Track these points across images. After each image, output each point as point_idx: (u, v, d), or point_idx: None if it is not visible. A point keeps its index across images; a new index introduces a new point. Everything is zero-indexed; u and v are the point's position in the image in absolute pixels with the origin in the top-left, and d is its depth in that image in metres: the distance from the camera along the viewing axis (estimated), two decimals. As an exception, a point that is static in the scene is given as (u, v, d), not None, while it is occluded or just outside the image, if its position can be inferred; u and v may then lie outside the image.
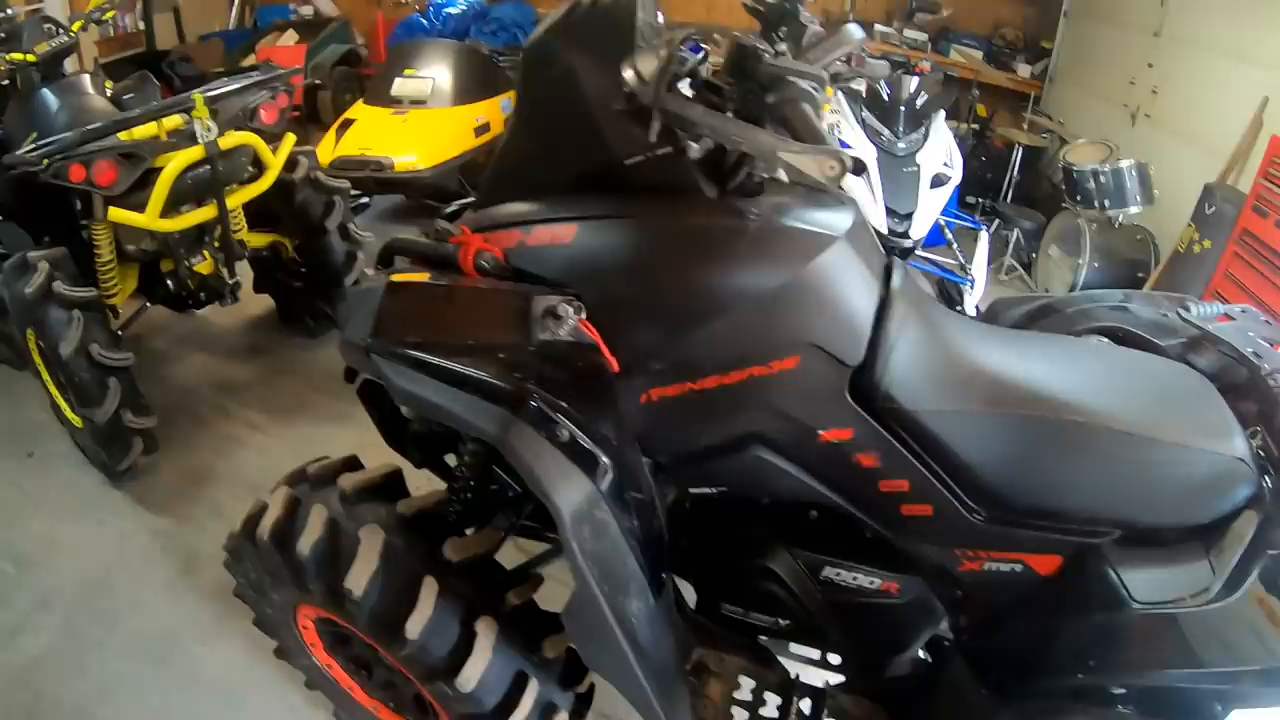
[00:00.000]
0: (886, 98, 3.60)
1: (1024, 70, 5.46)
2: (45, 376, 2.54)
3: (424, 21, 5.75)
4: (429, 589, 1.27)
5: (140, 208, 2.40)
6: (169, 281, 2.83)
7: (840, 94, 3.68)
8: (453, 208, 1.46)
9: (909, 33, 5.39)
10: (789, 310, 1.08)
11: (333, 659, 1.64)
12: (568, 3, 1.20)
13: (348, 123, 4.11)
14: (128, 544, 2.38)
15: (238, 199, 2.68)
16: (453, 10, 5.78)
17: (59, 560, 2.31)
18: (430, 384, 1.06)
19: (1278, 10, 3.41)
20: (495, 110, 4.30)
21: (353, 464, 1.51)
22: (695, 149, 1.02)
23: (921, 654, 1.44)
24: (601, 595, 1.05)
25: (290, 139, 2.82)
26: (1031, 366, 1.20)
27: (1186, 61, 4.00)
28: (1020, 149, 4.85)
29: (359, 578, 1.27)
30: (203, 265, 2.79)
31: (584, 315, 1.09)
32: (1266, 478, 1.13)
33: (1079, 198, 3.91)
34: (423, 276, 1.19)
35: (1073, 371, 1.22)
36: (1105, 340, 1.42)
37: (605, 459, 1.06)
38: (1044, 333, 1.46)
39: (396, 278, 1.18)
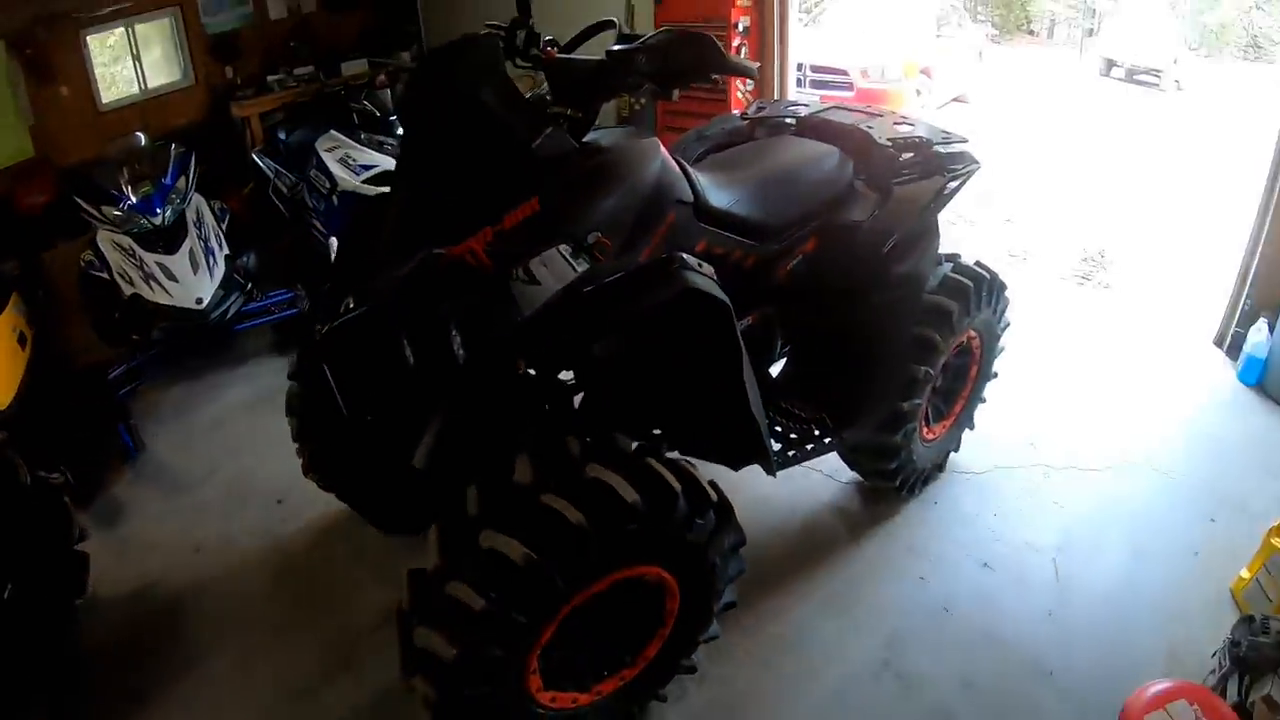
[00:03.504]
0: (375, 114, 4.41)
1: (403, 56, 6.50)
2: None
3: None
4: None
5: None
6: None
7: (334, 130, 4.38)
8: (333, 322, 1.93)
9: (298, 71, 6.10)
10: (663, 187, 1.98)
11: None
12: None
13: None
14: None
15: None
16: None
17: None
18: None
19: None
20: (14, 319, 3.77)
21: None
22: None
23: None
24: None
25: None
26: (757, 157, 2.45)
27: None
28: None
29: None
30: None
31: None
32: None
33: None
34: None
35: (776, 148, 2.48)
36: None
37: None
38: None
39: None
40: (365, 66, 6.08)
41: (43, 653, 2.55)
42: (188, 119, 5.74)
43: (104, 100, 5.75)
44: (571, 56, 2.05)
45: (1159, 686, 1.93)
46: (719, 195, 2.19)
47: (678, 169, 2.09)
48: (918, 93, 8.74)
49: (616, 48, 1.86)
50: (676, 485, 1.76)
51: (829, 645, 2.46)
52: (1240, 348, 3.83)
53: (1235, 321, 3.96)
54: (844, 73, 8.39)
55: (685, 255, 1.78)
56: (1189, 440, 3.40)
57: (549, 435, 1.83)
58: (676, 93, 1.88)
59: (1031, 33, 18.20)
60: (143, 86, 5.98)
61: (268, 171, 5.13)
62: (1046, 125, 9.68)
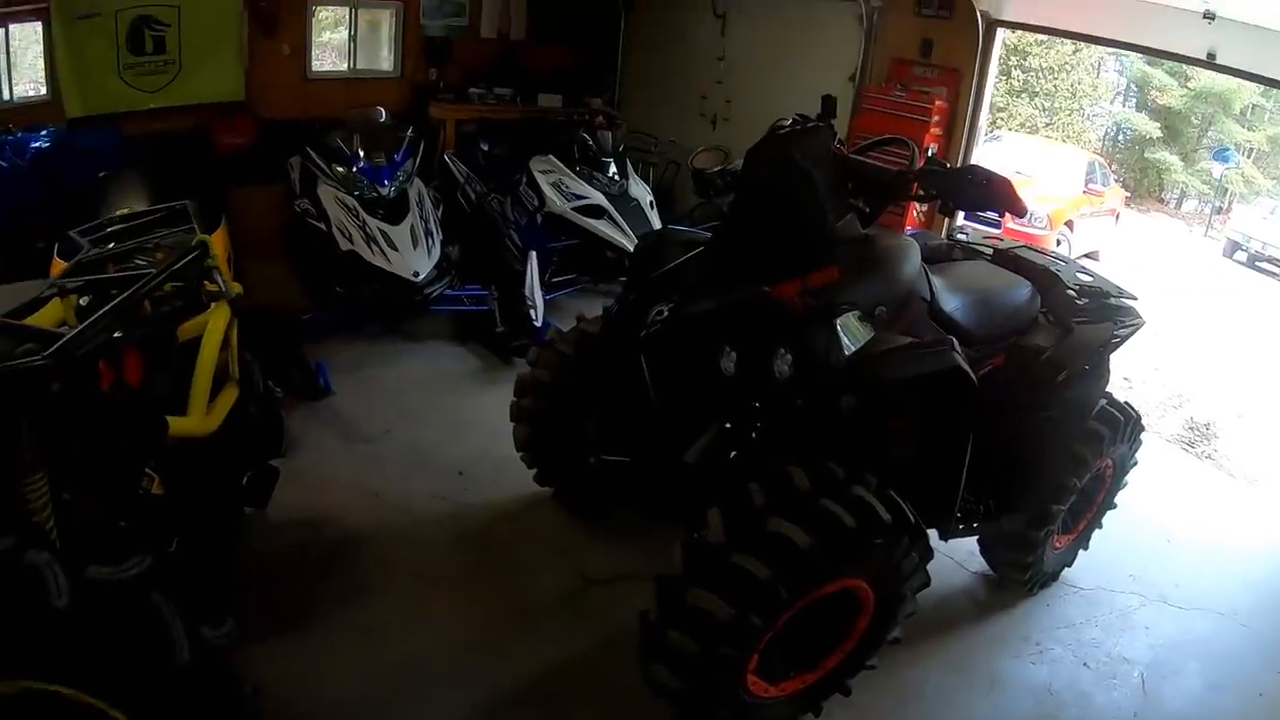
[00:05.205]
0: (592, 150, 5.23)
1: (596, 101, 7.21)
2: None
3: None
4: None
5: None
6: None
7: (552, 155, 5.20)
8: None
9: (498, 90, 6.97)
10: (917, 283, 2.69)
11: None
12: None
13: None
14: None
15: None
16: (39, 145, 5.15)
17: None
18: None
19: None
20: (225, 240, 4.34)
21: None
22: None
23: None
24: None
25: None
26: (969, 276, 3.09)
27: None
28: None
29: None
30: None
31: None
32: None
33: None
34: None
35: (981, 272, 3.15)
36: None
37: None
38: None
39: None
40: (560, 102, 6.95)
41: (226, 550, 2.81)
42: (386, 107, 6.72)
43: (313, 69, 6.69)
44: (871, 160, 2.79)
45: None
46: (945, 299, 2.89)
47: (924, 271, 2.82)
48: (1058, 243, 9.44)
49: (921, 167, 2.61)
50: (912, 518, 2.43)
51: (951, 699, 3.08)
52: (1327, 537, 4.47)
53: (1325, 513, 4.61)
54: (997, 209, 9.08)
55: (953, 339, 2.50)
56: (1267, 603, 4.00)
57: (810, 457, 2.50)
58: (960, 215, 2.63)
59: (1161, 200, 19.14)
60: (352, 66, 6.92)
61: (457, 174, 5.95)
62: (1169, 294, 10.38)
